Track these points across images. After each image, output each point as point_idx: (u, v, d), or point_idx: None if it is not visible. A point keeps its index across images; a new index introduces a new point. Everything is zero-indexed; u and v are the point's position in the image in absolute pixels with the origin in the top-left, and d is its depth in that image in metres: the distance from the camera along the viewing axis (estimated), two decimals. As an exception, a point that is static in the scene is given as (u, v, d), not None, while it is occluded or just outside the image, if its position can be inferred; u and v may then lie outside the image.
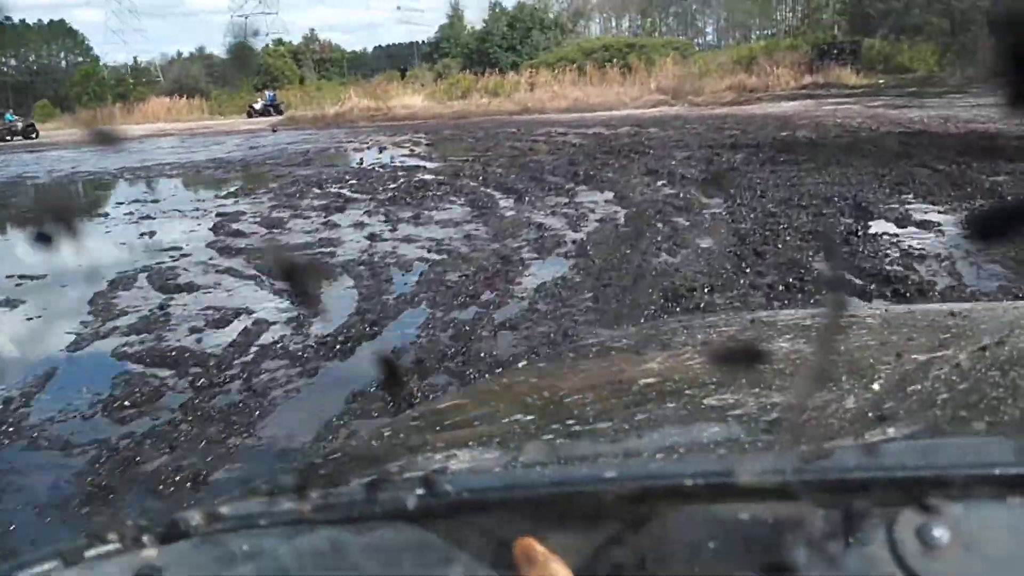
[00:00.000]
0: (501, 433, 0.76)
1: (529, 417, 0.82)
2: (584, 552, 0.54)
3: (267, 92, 40.84)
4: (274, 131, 26.55)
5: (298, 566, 0.56)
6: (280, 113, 35.92)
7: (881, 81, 28.22)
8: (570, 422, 0.75)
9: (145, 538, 0.58)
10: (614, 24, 62.83)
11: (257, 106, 38.16)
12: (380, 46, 49.98)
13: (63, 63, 61.46)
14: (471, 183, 10.89)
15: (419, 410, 0.95)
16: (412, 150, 17.33)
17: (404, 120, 28.95)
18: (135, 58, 64.82)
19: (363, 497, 0.59)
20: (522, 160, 13.08)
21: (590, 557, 0.53)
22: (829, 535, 0.50)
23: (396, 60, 55.86)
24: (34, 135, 35.38)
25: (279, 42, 61.29)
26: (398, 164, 14.39)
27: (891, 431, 0.61)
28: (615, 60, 34.68)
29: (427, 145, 18.37)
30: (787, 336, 1.03)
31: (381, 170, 13.49)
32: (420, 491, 0.58)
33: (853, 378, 0.76)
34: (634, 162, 11.68)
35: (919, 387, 0.72)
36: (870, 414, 0.66)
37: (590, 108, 26.96)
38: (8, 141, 34.04)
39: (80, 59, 62.51)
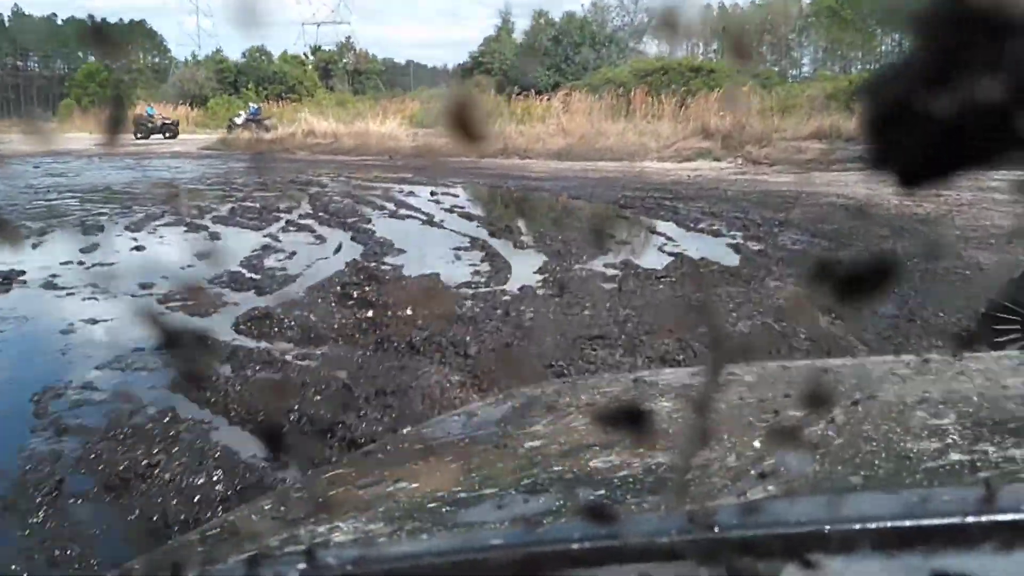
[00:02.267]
0: (385, 502, 0.76)
1: (414, 485, 0.81)
2: None
3: (251, 105, 33.91)
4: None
5: None
6: (266, 130, 29.64)
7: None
8: (456, 488, 0.76)
9: None
10: (701, 48, 53.47)
11: (239, 120, 31.17)
12: (462, 63, 43.43)
13: (141, 64, 59.24)
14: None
15: (301, 481, 0.97)
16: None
17: (343, 154, 20.59)
18: (141, 59, 59.40)
19: (243, 574, 0.58)
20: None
21: None
22: None
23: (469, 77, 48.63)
24: (169, 135, 30.95)
25: (315, 49, 53.87)
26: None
27: (772, 488, 0.63)
28: (673, 86, 25.32)
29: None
30: (669, 396, 1.05)
31: None
32: (302, 566, 0.57)
33: (734, 436, 0.77)
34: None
35: (797, 443, 0.73)
36: (751, 471, 0.67)
37: (596, 154, 17.85)
38: (142, 140, 29.19)
39: (157, 60, 61.47)
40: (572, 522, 0.58)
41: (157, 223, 9.29)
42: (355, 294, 5.62)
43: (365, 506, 0.74)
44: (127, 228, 8.88)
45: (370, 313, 5.03)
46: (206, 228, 9.04)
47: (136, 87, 48.62)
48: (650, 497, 0.66)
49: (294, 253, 7.38)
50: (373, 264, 6.71)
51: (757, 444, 0.74)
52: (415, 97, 33.68)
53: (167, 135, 30.82)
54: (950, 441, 0.73)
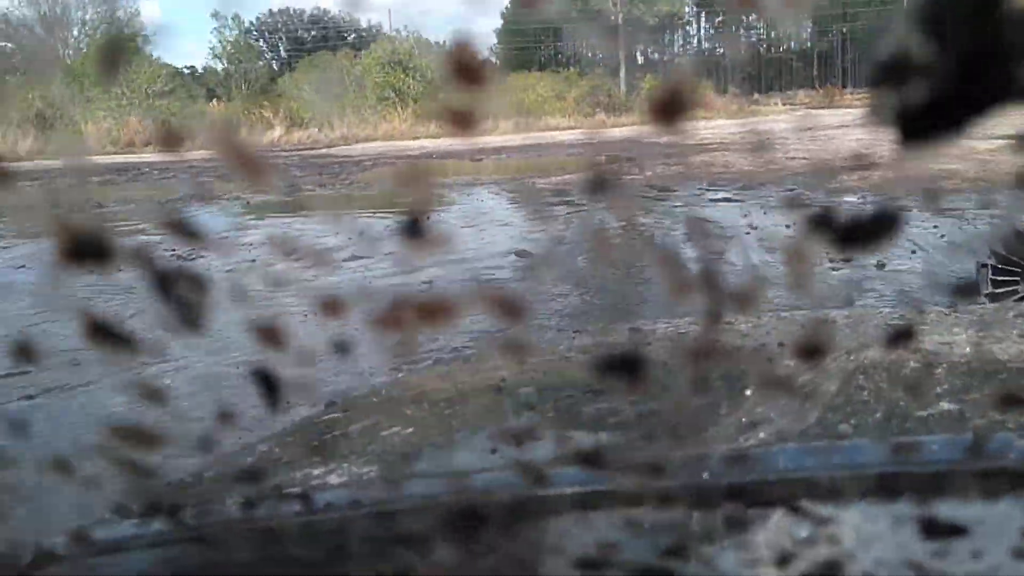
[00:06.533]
0: (380, 446, 0.76)
1: (408, 429, 0.82)
2: (465, 563, 0.54)
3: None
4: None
5: None
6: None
7: None
8: (449, 433, 0.78)
9: (9, 565, 0.57)
10: None
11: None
12: None
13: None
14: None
15: (296, 425, 0.93)
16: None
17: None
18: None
19: (239, 515, 0.58)
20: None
21: (469, 567, 0.54)
22: (705, 539, 0.52)
23: None
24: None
25: None
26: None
27: (763, 435, 0.64)
28: None
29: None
30: (663, 344, 1.05)
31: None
32: (298, 508, 0.57)
33: (726, 384, 0.78)
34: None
35: (789, 392, 0.74)
36: (743, 419, 0.68)
37: None
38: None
39: None
40: (564, 467, 0.59)
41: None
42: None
43: (360, 450, 0.76)
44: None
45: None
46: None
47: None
48: (642, 443, 0.67)
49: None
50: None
51: (749, 392, 0.76)
52: None
53: None
54: (940, 391, 0.73)
